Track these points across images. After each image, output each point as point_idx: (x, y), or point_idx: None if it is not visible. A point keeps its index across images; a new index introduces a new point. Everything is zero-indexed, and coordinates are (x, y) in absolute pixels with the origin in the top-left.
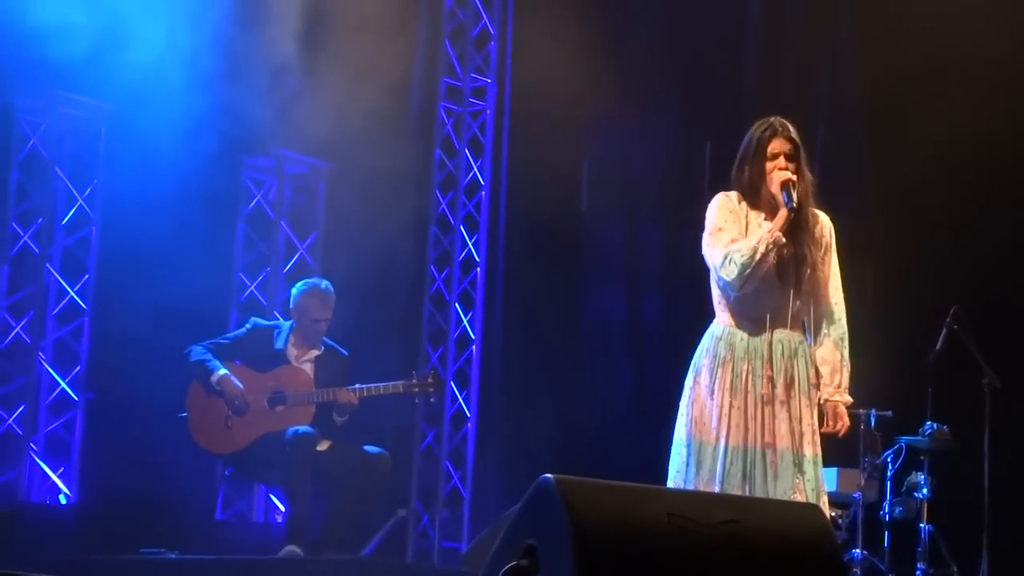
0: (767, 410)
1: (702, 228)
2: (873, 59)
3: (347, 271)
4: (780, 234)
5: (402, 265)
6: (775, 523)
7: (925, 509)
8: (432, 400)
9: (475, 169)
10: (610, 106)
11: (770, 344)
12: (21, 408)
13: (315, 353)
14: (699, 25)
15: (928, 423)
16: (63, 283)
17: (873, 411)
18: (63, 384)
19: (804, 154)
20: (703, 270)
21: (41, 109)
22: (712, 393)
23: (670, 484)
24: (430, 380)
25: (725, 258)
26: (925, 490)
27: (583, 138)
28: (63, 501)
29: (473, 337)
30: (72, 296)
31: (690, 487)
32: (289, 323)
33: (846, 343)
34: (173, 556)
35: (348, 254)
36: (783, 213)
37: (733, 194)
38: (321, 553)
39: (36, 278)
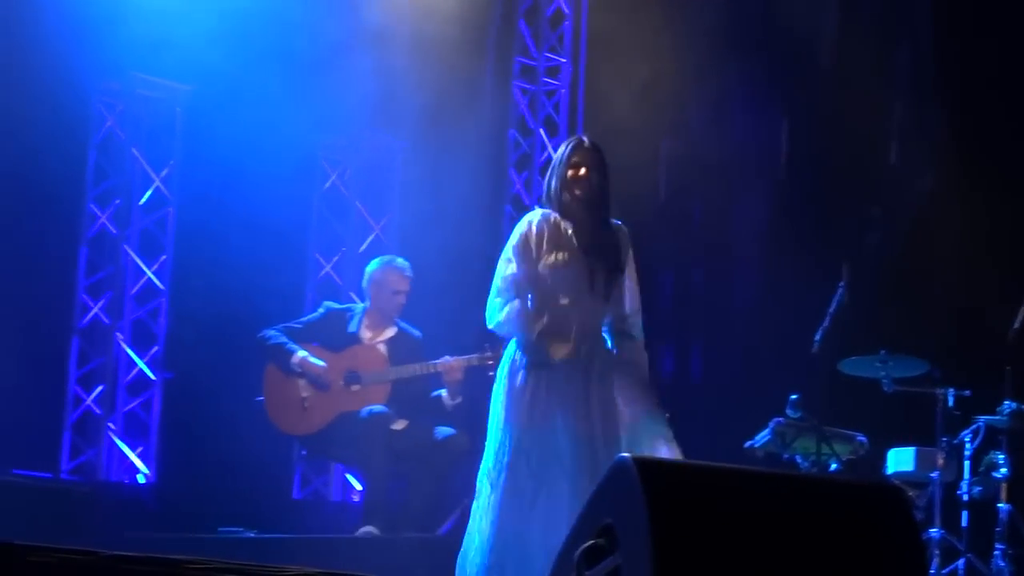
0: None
1: (783, 204)
2: (951, 36)
3: (421, 251)
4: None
5: (477, 245)
6: (853, 502)
7: (1004, 489)
8: None
9: (550, 149)
10: (687, 84)
11: (585, 370)
12: (100, 388)
13: (389, 334)
14: (776, 1)
15: (1007, 402)
16: (141, 264)
17: (952, 390)
18: (141, 364)
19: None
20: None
21: (117, 91)
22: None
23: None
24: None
25: (509, 315)
26: (1004, 470)
27: (660, 117)
28: (141, 480)
29: None
30: (150, 277)
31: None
32: (363, 306)
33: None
34: (251, 535)
35: (423, 234)
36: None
37: (547, 212)
38: (398, 532)
39: (114, 259)
